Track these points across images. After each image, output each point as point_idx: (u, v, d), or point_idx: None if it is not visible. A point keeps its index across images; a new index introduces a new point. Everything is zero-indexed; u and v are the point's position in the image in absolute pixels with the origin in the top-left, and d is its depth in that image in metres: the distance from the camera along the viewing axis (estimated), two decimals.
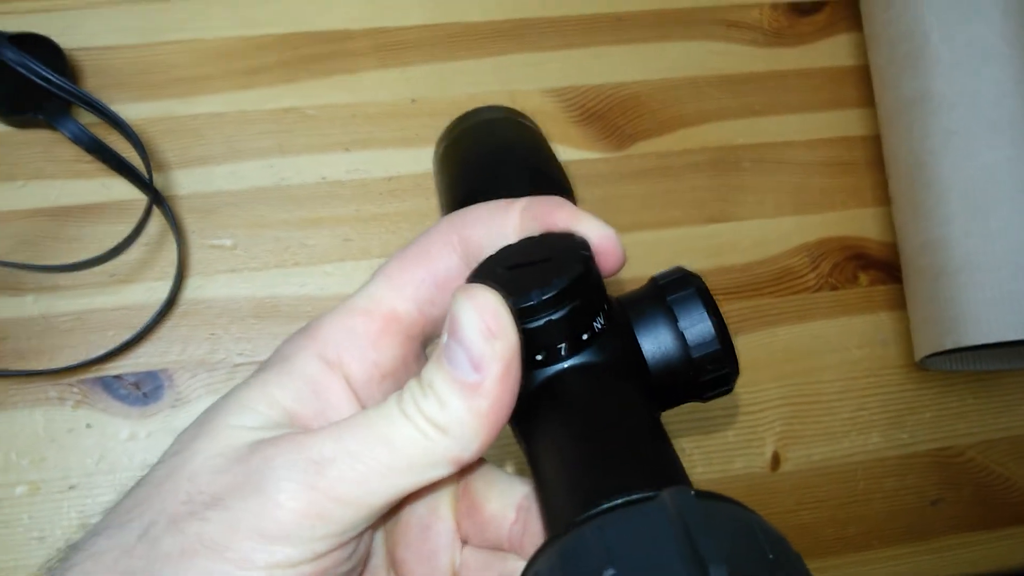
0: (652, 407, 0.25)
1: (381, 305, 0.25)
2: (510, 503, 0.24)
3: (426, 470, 0.22)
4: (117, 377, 0.45)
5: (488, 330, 0.21)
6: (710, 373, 0.25)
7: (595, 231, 0.25)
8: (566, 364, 0.24)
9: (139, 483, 0.23)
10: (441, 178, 0.40)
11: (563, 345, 0.23)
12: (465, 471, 0.25)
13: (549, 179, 0.37)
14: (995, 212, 0.46)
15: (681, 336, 0.24)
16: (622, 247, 0.25)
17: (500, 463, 0.44)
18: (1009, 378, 0.53)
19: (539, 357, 0.23)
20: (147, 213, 0.45)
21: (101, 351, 0.45)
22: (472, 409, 0.21)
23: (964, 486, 0.52)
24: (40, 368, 0.45)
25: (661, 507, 0.17)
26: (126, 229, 0.45)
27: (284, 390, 0.23)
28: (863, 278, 0.53)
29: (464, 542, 0.26)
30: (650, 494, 0.17)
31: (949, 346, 0.47)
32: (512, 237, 0.25)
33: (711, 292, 0.25)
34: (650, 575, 0.16)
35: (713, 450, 0.49)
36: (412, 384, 0.22)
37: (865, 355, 0.52)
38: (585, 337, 0.23)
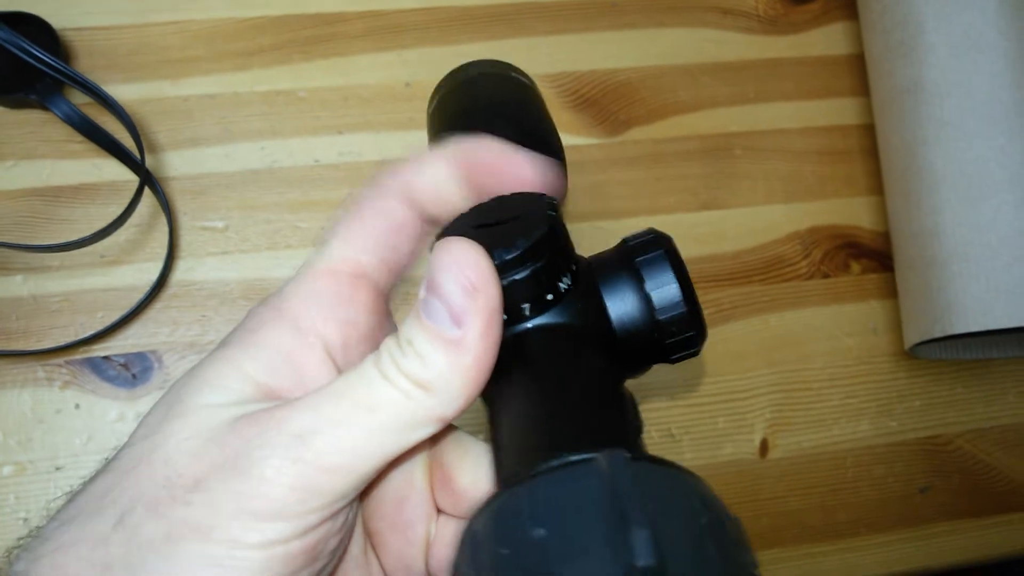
0: (614, 369, 0.25)
1: (344, 263, 0.24)
2: (483, 473, 0.24)
3: (412, 431, 0.21)
4: (106, 358, 0.45)
5: (469, 284, 0.21)
6: (676, 336, 0.24)
7: (528, 167, 0.25)
8: (529, 324, 0.23)
9: (106, 468, 0.22)
10: (431, 134, 0.39)
11: (527, 305, 0.23)
12: (437, 438, 0.25)
13: (537, 137, 0.36)
14: (987, 202, 0.46)
15: (647, 298, 0.24)
16: (563, 178, 0.25)
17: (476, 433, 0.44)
18: (998, 367, 0.53)
19: (503, 317, 0.23)
20: (138, 194, 0.45)
21: (90, 332, 0.45)
22: (455, 365, 0.21)
23: (952, 474, 0.52)
24: (29, 348, 0.44)
25: (595, 470, 0.17)
26: (117, 210, 0.45)
27: (255, 363, 0.22)
28: (855, 266, 0.53)
29: (439, 512, 0.25)
30: (587, 456, 0.17)
31: (939, 334, 0.47)
32: (448, 172, 0.25)
33: (684, 259, 0.25)
34: (576, 537, 0.16)
35: (702, 436, 0.50)
36: (389, 343, 0.21)
37: (856, 343, 0.52)
38: (549, 298, 0.23)
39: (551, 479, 0.17)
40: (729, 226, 0.53)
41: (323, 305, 0.24)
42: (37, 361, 0.45)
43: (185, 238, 0.47)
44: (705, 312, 0.51)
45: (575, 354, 0.23)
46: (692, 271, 0.52)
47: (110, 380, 0.45)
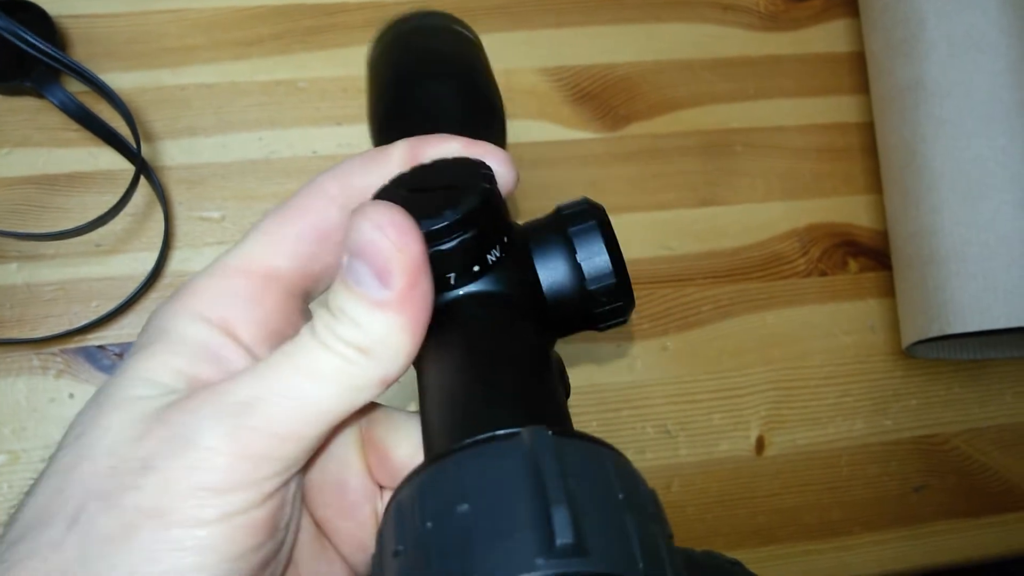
0: (544, 338, 0.25)
1: (258, 263, 0.23)
2: (416, 444, 0.24)
3: (357, 394, 0.21)
4: (101, 347, 0.45)
5: (389, 243, 0.20)
6: (605, 305, 0.25)
7: (488, 158, 0.24)
8: (460, 292, 0.23)
9: (43, 476, 0.21)
10: (369, 86, 0.38)
11: (455, 274, 0.23)
12: (365, 414, 0.25)
13: (477, 93, 0.36)
14: (985, 202, 0.46)
15: (578, 267, 0.24)
16: (514, 167, 0.25)
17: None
18: (995, 367, 0.53)
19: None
20: (134, 183, 0.45)
21: (85, 321, 0.44)
22: (389, 325, 0.20)
23: (947, 474, 0.52)
24: (23, 337, 0.44)
25: (518, 445, 0.17)
26: (112, 199, 0.44)
27: (178, 357, 0.22)
28: (853, 265, 0.53)
29: (381, 488, 0.25)
30: (511, 432, 0.18)
31: (936, 333, 0.47)
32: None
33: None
34: (498, 513, 0.16)
35: (698, 432, 0.50)
36: (321, 313, 0.21)
37: (853, 341, 0.52)
38: (479, 267, 0.23)
39: (475, 453, 0.18)
40: (728, 223, 0.52)
41: (232, 301, 0.23)
42: (31, 350, 0.44)
43: (181, 228, 0.47)
44: (703, 309, 0.52)
45: (504, 323, 0.23)
46: (690, 267, 0.52)
47: (105, 370, 0.45)
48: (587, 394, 0.49)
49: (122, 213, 0.45)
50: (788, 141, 0.54)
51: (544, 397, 0.21)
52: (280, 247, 0.23)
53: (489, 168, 0.24)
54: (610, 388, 0.49)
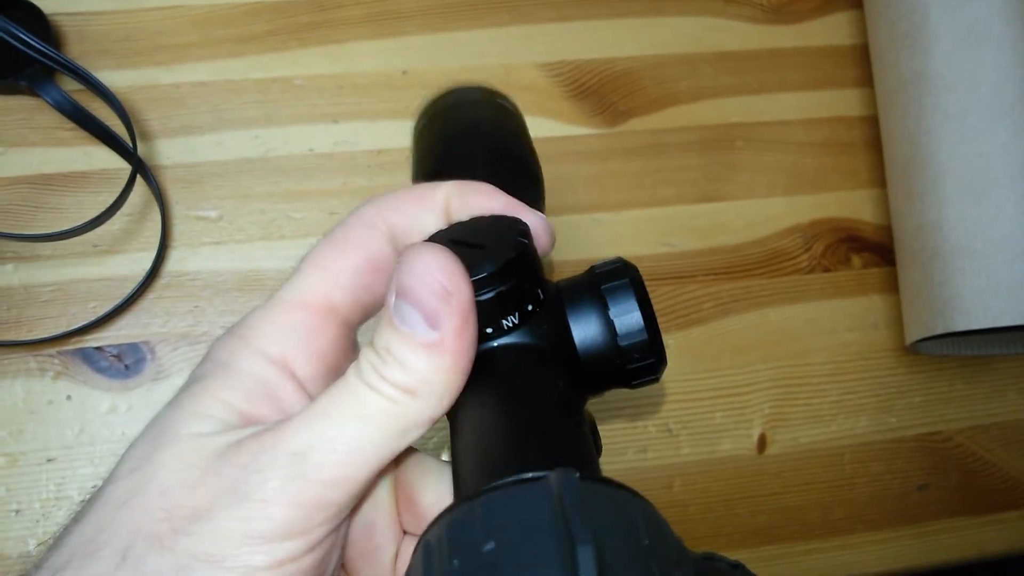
0: (576, 391, 0.25)
1: (317, 297, 0.24)
2: (445, 492, 0.24)
3: (404, 434, 0.21)
4: (98, 349, 0.45)
5: (441, 287, 0.21)
6: (637, 362, 0.26)
7: (526, 217, 0.25)
8: (495, 343, 0.24)
9: (92, 505, 0.21)
10: (413, 156, 0.40)
11: (492, 325, 0.24)
12: (400, 460, 0.25)
13: (514, 160, 0.37)
14: (990, 197, 0.45)
15: (611, 324, 0.25)
16: (552, 233, 0.26)
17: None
18: (999, 364, 0.53)
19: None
20: (130, 183, 0.44)
21: (82, 322, 0.44)
22: (436, 367, 0.21)
23: (951, 472, 0.52)
24: (20, 339, 0.44)
25: (546, 488, 0.18)
26: (108, 198, 0.44)
27: (233, 392, 0.22)
28: (856, 260, 0.53)
29: (405, 533, 0.26)
30: (540, 475, 0.18)
31: (940, 330, 0.46)
32: (436, 220, 0.25)
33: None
34: (524, 552, 0.17)
35: (700, 431, 0.49)
36: (367, 353, 0.21)
37: (856, 338, 0.52)
38: (514, 319, 0.24)
39: (504, 495, 0.18)
40: (729, 218, 0.52)
41: (291, 337, 0.24)
42: (29, 351, 0.44)
43: (178, 227, 0.47)
44: (705, 306, 0.51)
45: (538, 374, 0.24)
46: (691, 264, 0.52)
47: (102, 371, 0.45)
48: None
49: (119, 213, 0.45)
50: (791, 135, 0.54)
51: (573, 444, 0.22)
52: (337, 280, 0.24)
53: (525, 225, 0.25)
54: None
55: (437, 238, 0.25)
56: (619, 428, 0.49)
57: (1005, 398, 0.53)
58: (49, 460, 0.43)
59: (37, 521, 0.43)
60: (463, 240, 0.24)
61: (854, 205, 0.54)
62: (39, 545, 0.42)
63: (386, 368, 0.21)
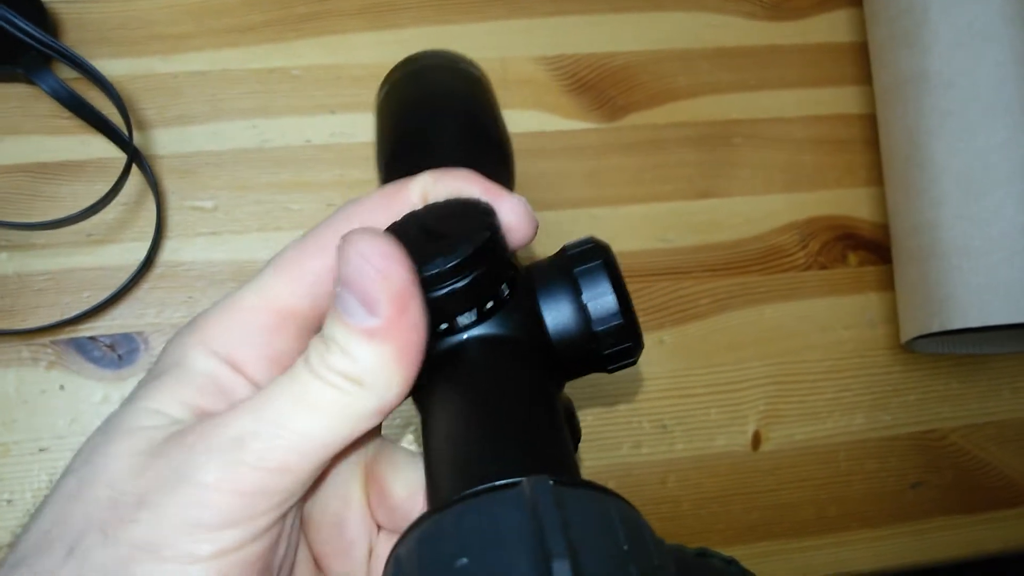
0: (551, 380, 0.25)
1: (273, 300, 0.24)
2: (417, 484, 0.24)
3: (352, 425, 0.21)
4: (92, 339, 0.45)
5: (375, 270, 0.20)
6: (612, 347, 0.25)
7: (504, 204, 0.24)
8: (465, 336, 0.23)
9: (48, 500, 0.21)
10: (377, 126, 0.39)
11: (461, 316, 0.23)
12: (371, 454, 0.25)
13: (484, 133, 0.36)
14: (988, 196, 0.45)
15: (584, 309, 0.24)
16: (533, 220, 0.25)
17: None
18: (995, 362, 0.53)
19: (441, 328, 0.23)
20: (125, 172, 0.44)
21: (76, 312, 0.44)
22: (380, 355, 0.20)
23: (946, 470, 0.52)
24: (13, 328, 0.44)
25: (519, 496, 0.17)
26: (104, 188, 0.44)
27: (187, 388, 0.22)
28: (852, 258, 0.53)
29: (379, 528, 0.25)
30: (513, 481, 0.17)
31: (936, 329, 0.46)
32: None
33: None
34: (498, 568, 0.16)
35: (694, 427, 0.49)
36: (315, 342, 0.21)
37: (852, 336, 0.52)
38: (483, 310, 0.23)
39: (475, 505, 0.17)
40: (726, 215, 0.52)
41: (244, 338, 0.23)
42: (22, 341, 0.44)
43: (173, 218, 0.47)
44: (701, 302, 0.51)
45: (509, 367, 0.23)
46: (688, 260, 0.52)
47: (95, 361, 0.44)
48: (583, 388, 0.48)
49: (114, 202, 0.45)
50: (789, 132, 0.54)
51: (548, 444, 0.21)
52: (296, 285, 0.24)
53: (492, 211, 0.24)
54: (606, 382, 0.49)
55: (397, 227, 0.24)
56: (613, 423, 0.49)
57: (1000, 397, 0.53)
58: (41, 450, 0.43)
59: (29, 511, 0.42)
60: (428, 228, 0.23)
61: (851, 203, 0.54)
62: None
63: (331, 356, 0.20)
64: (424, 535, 0.18)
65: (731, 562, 0.42)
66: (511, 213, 0.24)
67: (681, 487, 0.49)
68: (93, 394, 0.44)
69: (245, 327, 0.23)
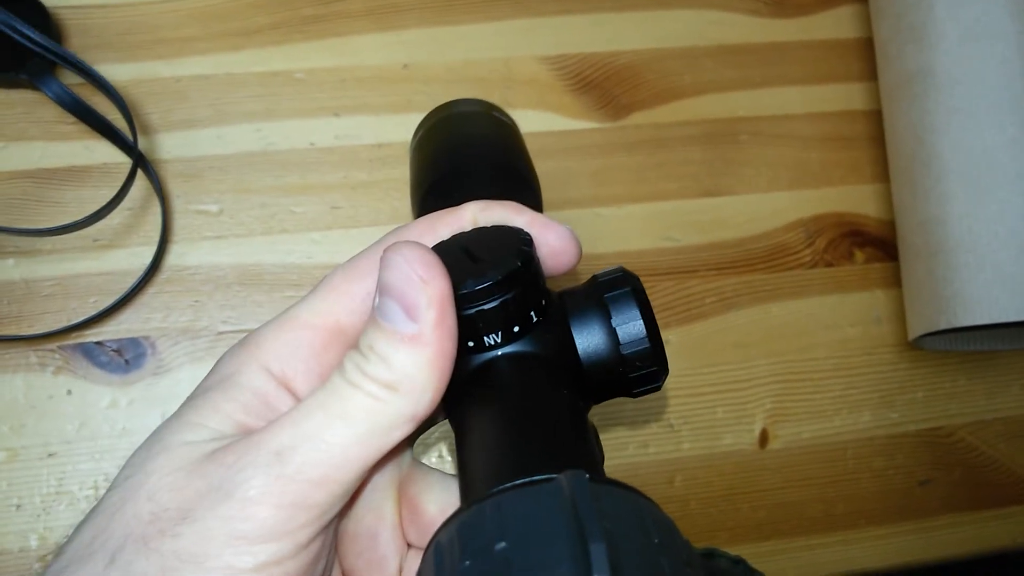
0: (579, 398, 0.26)
1: (326, 318, 0.24)
2: (449, 504, 0.25)
3: (387, 433, 0.21)
4: (99, 343, 0.45)
5: (417, 277, 0.21)
6: (639, 370, 0.26)
7: (551, 232, 0.26)
8: (499, 352, 0.24)
9: (92, 513, 0.22)
10: (412, 168, 0.41)
11: (495, 334, 0.24)
12: (405, 473, 0.26)
13: (515, 176, 0.37)
14: (995, 193, 0.45)
15: (613, 333, 0.26)
16: (577, 244, 0.26)
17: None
18: (1003, 359, 0.53)
19: (471, 344, 0.24)
20: (131, 177, 0.44)
21: (83, 317, 0.44)
22: (417, 361, 0.21)
23: (954, 467, 0.52)
24: (21, 333, 0.44)
25: (556, 489, 0.18)
26: (109, 193, 0.44)
27: (233, 404, 0.23)
28: (859, 255, 0.53)
29: (409, 545, 0.26)
30: (549, 476, 0.18)
31: (943, 326, 0.46)
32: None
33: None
34: (536, 550, 0.17)
35: (702, 426, 0.49)
36: (351, 354, 0.22)
37: (858, 333, 0.52)
38: (518, 328, 0.24)
39: (515, 495, 0.18)
40: (732, 213, 0.52)
41: (297, 355, 0.24)
42: (29, 346, 0.44)
43: (179, 222, 0.47)
44: (707, 301, 0.51)
45: (542, 382, 0.24)
46: (693, 259, 0.51)
47: (102, 366, 0.45)
48: None
49: (119, 207, 0.45)
50: (794, 130, 0.53)
51: (580, 449, 0.22)
52: (348, 303, 0.25)
53: (531, 241, 0.25)
54: None
55: (441, 248, 0.25)
56: (620, 423, 0.49)
57: (1008, 393, 0.52)
58: (50, 455, 0.43)
59: (38, 516, 0.43)
60: (469, 250, 0.25)
61: (857, 200, 0.53)
62: (43, 559, 0.42)
63: (368, 365, 0.21)
64: (464, 522, 0.18)
65: (739, 561, 0.42)
66: (558, 240, 0.26)
67: (688, 486, 0.49)
68: (101, 399, 0.44)
69: (298, 344, 0.24)
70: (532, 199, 0.37)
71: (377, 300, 0.22)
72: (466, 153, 0.38)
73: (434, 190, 0.37)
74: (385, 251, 0.22)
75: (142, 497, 0.21)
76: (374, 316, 0.22)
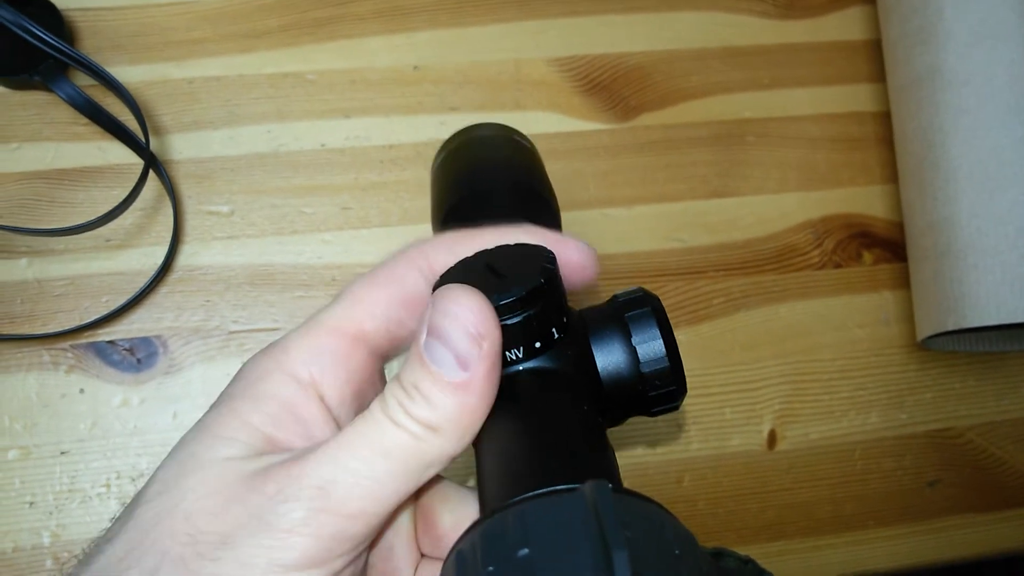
0: (598, 414, 0.26)
1: (350, 324, 0.25)
2: (463, 517, 0.25)
3: (424, 470, 0.22)
4: (111, 343, 0.45)
5: (474, 330, 0.21)
6: (658, 389, 0.26)
7: (569, 247, 0.26)
8: (520, 367, 0.25)
9: (121, 527, 0.22)
10: (433, 189, 0.41)
11: (517, 349, 0.24)
12: (422, 489, 0.26)
13: (535, 198, 0.38)
14: (1003, 194, 0.45)
15: (633, 351, 0.26)
16: (595, 259, 0.27)
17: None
18: (1012, 360, 0.53)
19: None
20: (142, 178, 0.44)
21: (95, 316, 0.44)
22: (462, 406, 0.21)
23: (963, 468, 0.51)
24: (34, 332, 0.44)
25: (579, 498, 0.18)
26: (121, 193, 0.44)
27: (260, 415, 0.23)
28: (867, 256, 0.53)
29: (422, 555, 0.27)
30: (572, 486, 0.18)
31: (952, 327, 0.46)
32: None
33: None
34: (559, 557, 0.17)
35: (710, 427, 0.49)
36: (394, 389, 0.22)
37: (867, 334, 0.52)
38: (539, 344, 0.25)
39: (537, 504, 0.18)
40: (740, 214, 0.52)
41: (322, 360, 0.24)
42: (42, 345, 0.45)
43: (190, 222, 0.47)
44: (715, 302, 0.51)
45: (562, 397, 0.24)
46: (702, 260, 0.52)
47: (115, 365, 0.45)
48: None
49: (131, 208, 0.45)
50: (802, 131, 0.54)
51: (601, 461, 0.22)
52: (371, 310, 0.25)
53: (554, 260, 0.25)
54: None
55: (466, 264, 0.25)
56: (628, 423, 0.49)
57: (1017, 395, 0.52)
58: (62, 453, 0.44)
59: (50, 513, 0.43)
60: (493, 266, 0.25)
61: (866, 201, 0.53)
62: (55, 555, 0.43)
63: (412, 404, 0.21)
64: (487, 530, 0.18)
65: (747, 561, 0.42)
66: (578, 252, 0.26)
67: (697, 486, 0.49)
68: (113, 397, 0.45)
69: (324, 349, 0.24)
70: (551, 220, 0.38)
71: (425, 340, 0.22)
72: (487, 176, 0.39)
73: (455, 211, 0.38)
74: (437, 294, 0.22)
75: (179, 516, 0.21)
76: (421, 355, 0.22)
